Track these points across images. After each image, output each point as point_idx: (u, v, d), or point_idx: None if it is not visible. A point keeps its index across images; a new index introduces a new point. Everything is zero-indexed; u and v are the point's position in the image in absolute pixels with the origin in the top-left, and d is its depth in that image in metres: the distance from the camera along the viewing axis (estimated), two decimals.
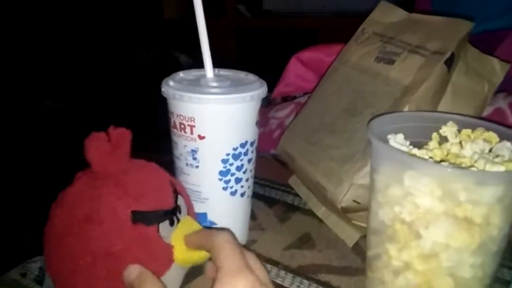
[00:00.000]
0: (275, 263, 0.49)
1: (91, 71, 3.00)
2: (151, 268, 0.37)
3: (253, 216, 0.56)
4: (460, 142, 0.41)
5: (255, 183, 0.52)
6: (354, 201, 0.49)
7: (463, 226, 0.35)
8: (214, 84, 0.46)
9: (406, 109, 0.48)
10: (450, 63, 0.49)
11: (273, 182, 0.67)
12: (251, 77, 0.49)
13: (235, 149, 0.46)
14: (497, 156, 0.38)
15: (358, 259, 0.51)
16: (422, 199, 0.36)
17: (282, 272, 0.48)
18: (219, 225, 0.49)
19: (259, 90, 0.45)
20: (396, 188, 0.37)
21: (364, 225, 0.51)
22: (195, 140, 0.45)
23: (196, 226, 0.41)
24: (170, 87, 0.45)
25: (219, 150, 0.46)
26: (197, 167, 0.46)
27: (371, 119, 0.42)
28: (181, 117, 0.45)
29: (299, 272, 0.48)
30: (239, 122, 0.45)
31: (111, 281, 0.36)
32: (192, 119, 0.44)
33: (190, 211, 0.44)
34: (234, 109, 0.44)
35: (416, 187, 0.36)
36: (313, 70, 0.86)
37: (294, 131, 0.62)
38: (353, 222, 0.52)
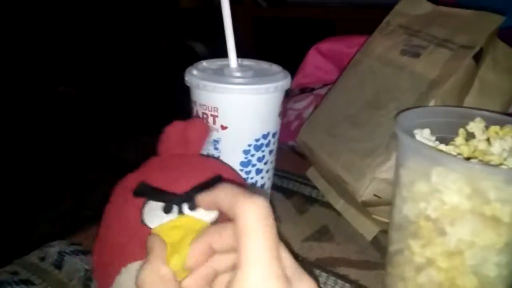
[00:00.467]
0: (293, 255, 0.49)
1: (106, 58, 3.01)
2: (121, 245, 0.31)
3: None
4: (488, 139, 0.40)
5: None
6: (375, 195, 0.48)
7: (490, 225, 0.35)
8: (238, 74, 0.46)
9: (431, 103, 0.47)
10: (478, 57, 0.48)
11: (291, 173, 0.66)
12: (275, 67, 0.49)
13: (257, 140, 0.46)
14: None
15: (377, 253, 0.50)
16: (450, 196, 0.35)
17: (300, 264, 0.48)
18: None
19: (283, 81, 0.45)
20: (423, 184, 0.37)
21: (384, 219, 0.51)
22: (218, 130, 0.45)
23: (189, 238, 0.28)
24: (193, 76, 0.45)
25: (241, 140, 0.45)
26: (218, 157, 0.46)
27: (398, 113, 0.42)
28: (204, 107, 0.44)
29: (318, 264, 0.48)
30: (262, 113, 0.45)
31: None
32: (215, 109, 0.44)
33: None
34: (257, 100, 0.44)
35: (444, 184, 0.35)
36: (332, 61, 0.86)
37: (314, 123, 0.61)
38: (373, 216, 0.51)
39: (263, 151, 0.47)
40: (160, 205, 0.31)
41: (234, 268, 0.25)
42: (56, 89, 2.99)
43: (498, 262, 0.36)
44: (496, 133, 0.40)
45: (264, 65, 0.50)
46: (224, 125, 0.45)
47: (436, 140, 0.41)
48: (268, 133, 0.46)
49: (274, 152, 0.49)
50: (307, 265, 0.48)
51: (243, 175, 0.47)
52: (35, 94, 2.89)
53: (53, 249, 0.49)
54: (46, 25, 2.94)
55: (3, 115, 2.61)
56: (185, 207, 0.30)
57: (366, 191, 0.48)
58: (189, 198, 0.31)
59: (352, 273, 0.47)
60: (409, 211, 0.39)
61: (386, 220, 0.50)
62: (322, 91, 0.80)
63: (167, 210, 0.30)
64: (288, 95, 0.86)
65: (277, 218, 0.56)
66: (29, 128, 2.55)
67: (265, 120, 0.46)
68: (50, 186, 2.02)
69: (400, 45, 0.55)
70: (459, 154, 0.40)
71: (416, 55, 0.52)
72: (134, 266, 0.29)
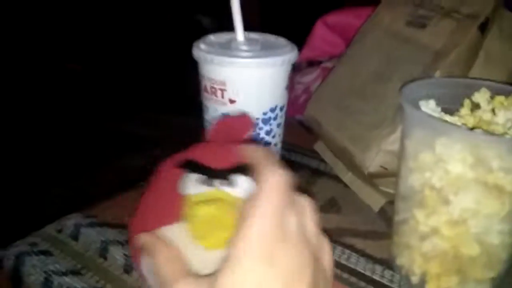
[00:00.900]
0: None
1: (113, 34, 3.00)
2: (154, 210, 0.32)
3: None
4: (493, 109, 0.41)
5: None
6: (382, 167, 0.49)
7: (493, 193, 0.36)
8: (245, 47, 0.46)
9: (437, 75, 0.48)
10: (484, 27, 0.48)
11: (299, 147, 0.67)
12: (282, 40, 0.49)
13: (265, 113, 0.46)
14: None
15: (383, 224, 0.51)
16: (453, 165, 0.36)
17: None
18: None
19: (290, 54, 0.45)
20: (427, 154, 0.37)
21: (390, 190, 0.52)
22: (226, 104, 0.46)
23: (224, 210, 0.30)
24: (201, 50, 0.45)
25: (249, 114, 0.46)
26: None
27: (403, 85, 0.42)
28: (212, 81, 0.45)
29: (324, 235, 0.49)
30: (269, 86, 0.46)
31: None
32: (223, 82, 0.44)
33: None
34: (265, 73, 0.45)
35: (448, 154, 0.36)
36: (339, 34, 0.85)
37: (321, 96, 0.61)
38: (380, 187, 0.52)
39: (270, 124, 0.47)
40: (200, 177, 0.31)
41: None
42: (64, 65, 3.00)
43: (501, 230, 0.37)
44: (501, 103, 0.41)
45: (271, 38, 0.50)
46: (232, 99, 0.45)
47: (442, 111, 0.42)
48: (276, 107, 0.47)
49: (281, 126, 0.49)
50: None
51: None
52: (43, 70, 2.90)
53: (70, 221, 0.51)
54: (53, 1, 2.93)
55: (15, 93, 2.63)
56: (224, 182, 0.31)
57: (372, 163, 0.49)
58: (227, 174, 0.31)
59: (359, 243, 0.48)
60: (414, 181, 0.39)
61: (393, 191, 0.51)
62: (330, 64, 0.80)
63: (206, 183, 0.31)
64: (295, 68, 0.86)
65: None
66: (39, 105, 2.57)
67: (272, 94, 0.46)
68: (62, 163, 2.05)
69: (406, 16, 0.55)
70: (464, 124, 0.40)
71: (422, 26, 0.52)
72: (165, 230, 0.30)
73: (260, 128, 0.47)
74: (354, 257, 0.46)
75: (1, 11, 2.75)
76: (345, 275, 0.44)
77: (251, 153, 0.31)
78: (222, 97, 0.45)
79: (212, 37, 0.49)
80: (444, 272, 0.40)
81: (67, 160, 2.07)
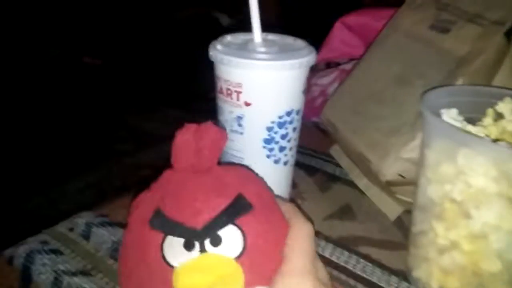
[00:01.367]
0: (315, 232, 0.49)
1: (131, 29, 3.01)
2: (141, 282, 0.30)
3: (293, 185, 0.55)
4: None
5: None
6: (400, 175, 0.48)
7: None
8: (263, 49, 0.45)
9: (459, 82, 0.46)
10: (510, 34, 0.47)
11: (314, 150, 0.66)
12: (300, 42, 0.48)
13: (280, 117, 0.45)
14: None
15: (399, 233, 0.50)
16: (476, 178, 0.34)
17: (323, 242, 0.48)
18: None
19: (308, 56, 0.44)
20: (448, 166, 0.36)
21: (407, 199, 0.50)
22: (241, 107, 0.45)
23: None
24: (218, 51, 0.44)
25: (264, 117, 0.45)
26: (241, 133, 0.46)
27: (425, 91, 0.41)
28: (228, 83, 0.44)
29: (339, 243, 0.48)
30: (286, 90, 0.45)
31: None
32: (239, 85, 0.44)
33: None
34: (282, 76, 0.43)
35: (470, 166, 0.34)
36: (359, 35, 0.84)
37: (338, 100, 0.60)
38: (397, 195, 0.51)
39: (286, 128, 0.46)
40: (180, 241, 0.29)
41: None
42: (81, 60, 3.01)
43: None
44: None
45: (289, 40, 0.49)
46: (248, 102, 0.44)
47: (464, 120, 0.40)
48: (292, 110, 0.46)
49: (297, 130, 0.48)
50: (329, 243, 0.48)
51: (266, 152, 0.47)
52: (60, 65, 2.92)
53: (81, 220, 0.50)
54: None
55: (32, 86, 2.65)
56: (207, 243, 0.28)
57: (390, 170, 0.48)
58: (210, 232, 0.29)
59: (374, 253, 0.47)
60: (433, 193, 0.38)
61: (410, 200, 0.50)
62: (348, 66, 0.79)
63: (188, 247, 0.28)
64: (313, 70, 0.85)
65: (300, 195, 0.56)
66: (55, 99, 2.59)
67: (289, 97, 0.45)
68: (77, 157, 2.06)
69: (429, 19, 0.54)
70: (487, 135, 0.39)
71: (445, 30, 0.51)
72: None
73: (276, 132, 0.46)
74: (369, 267, 0.45)
75: (19, 7, 2.78)
76: (360, 286, 0.43)
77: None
78: (238, 99, 0.44)
79: (229, 38, 0.48)
80: (462, 287, 0.38)
81: (79, 155, 2.08)
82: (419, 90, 0.48)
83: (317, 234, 0.49)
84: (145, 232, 0.30)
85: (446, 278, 0.39)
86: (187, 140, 0.31)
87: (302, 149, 0.64)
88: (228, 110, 0.46)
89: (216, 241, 0.29)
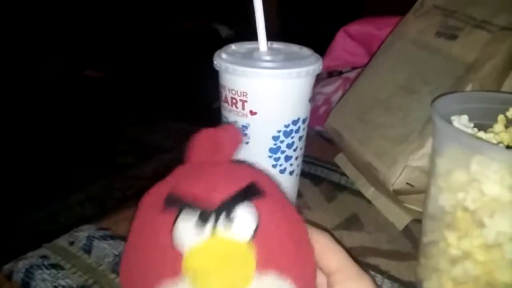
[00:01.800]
0: None
1: (131, 42, 3.02)
2: (149, 264, 0.29)
3: (299, 194, 0.54)
4: None
5: None
6: (408, 183, 0.47)
7: None
8: (268, 58, 0.44)
9: (468, 88, 0.46)
10: None
11: (319, 159, 0.65)
12: (306, 51, 0.47)
13: (286, 126, 0.45)
14: None
15: (408, 243, 0.49)
16: (490, 186, 0.33)
17: None
18: None
19: (314, 65, 0.43)
20: (461, 174, 0.35)
21: (416, 208, 0.50)
22: (247, 116, 0.44)
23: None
24: (222, 60, 0.43)
25: (270, 126, 0.44)
26: (247, 143, 0.45)
27: (434, 98, 0.40)
28: (233, 92, 0.43)
29: (350, 254, 0.47)
30: (292, 98, 0.44)
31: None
32: (245, 93, 0.43)
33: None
34: (288, 84, 0.43)
35: (484, 174, 0.33)
36: (362, 44, 0.83)
37: (344, 108, 0.59)
38: (405, 204, 0.50)
39: (292, 137, 0.46)
40: (192, 221, 0.28)
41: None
42: (82, 73, 3.02)
43: None
44: None
45: (295, 48, 0.48)
46: (253, 111, 0.44)
47: (474, 127, 0.39)
48: (298, 119, 0.45)
49: (303, 139, 0.48)
50: None
51: (272, 161, 0.46)
52: (62, 78, 2.93)
53: (82, 233, 0.49)
54: (72, 8, 2.96)
55: (33, 99, 2.65)
56: (220, 222, 0.28)
57: (398, 179, 0.47)
58: (223, 211, 0.28)
59: (383, 263, 0.46)
60: (445, 202, 0.37)
61: (419, 209, 0.49)
62: (351, 75, 0.78)
63: (200, 227, 0.27)
64: (315, 78, 0.84)
65: (306, 205, 0.55)
66: (56, 111, 2.59)
67: (295, 106, 0.44)
68: (78, 169, 2.05)
69: (435, 26, 0.53)
70: (499, 142, 0.38)
71: (452, 37, 0.50)
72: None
73: (282, 141, 0.45)
74: (378, 278, 0.44)
75: (19, 17, 2.79)
76: None
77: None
78: (243, 108, 0.44)
79: (233, 47, 0.48)
80: None
81: (80, 168, 2.07)
82: (427, 97, 0.48)
83: None
84: (155, 215, 0.29)
85: None
86: (206, 136, 0.32)
87: (306, 158, 0.63)
88: (233, 119, 0.45)
89: (229, 221, 0.28)
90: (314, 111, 0.76)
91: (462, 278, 0.37)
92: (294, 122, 0.45)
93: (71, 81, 2.92)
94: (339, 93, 0.76)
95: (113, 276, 0.44)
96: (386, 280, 0.43)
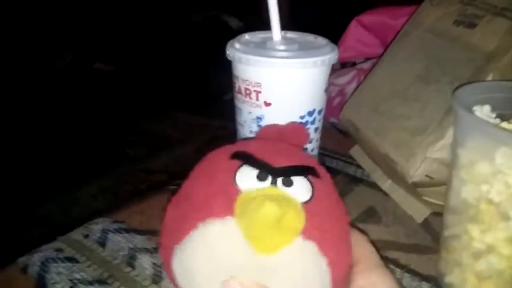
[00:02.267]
0: None
1: (141, 35, 3.02)
2: (202, 199, 0.29)
3: None
4: None
5: None
6: (427, 176, 0.46)
7: None
8: (282, 47, 0.43)
9: (489, 78, 0.44)
10: None
11: (333, 152, 0.64)
12: (321, 40, 0.46)
13: (302, 117, 0.44)
14: None
15: (428, 236, 0.48)
16: None
17: None
18: None
19: (330, 54, 0.42)
20: (485, 165, 0.34)
21: (435, 201, 0.48)
22: (261, 107, 0.43)
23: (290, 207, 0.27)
24: (236, 49, 0.42)
25: (285, 118, 0.43)
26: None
27: (455, 88, 0.39)
28: (247, 82, 0.43)
29: (375, 247, 0.46)
30: (308, 89, 0.43)
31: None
32: (259, 84, 0.42)
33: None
34: (304, 74, 0.42)
35: (509, 165, 0.32)
36: (375, 34, 0.82)
37: (359, 99, 0.58)
38: (423, 197, 0.49)
39: (308, 128, 0.45)
40: (254, 172, 0.29)
41: None
42: (92, 66, 3.02)
43: None
44: None
45: (309, 37, 0.47)
46: (268, 102, 0.43)
47: (496, 117, 0.38)
48: (314, 110, 0.44)
49: (319, 130, 0.47)
50: None
51: None
52: (72, 71, 2.94)
53: (97, 226, 0.49)
54: (83, 1, 2.96)
55: (43, 92, 2.66)
56: (279, 180, 0.29)
57: (417, 171, 0.46)
58: (285, 173, 0.29)
59: (403, 257, 0.45)
60: (468, 194, 0.36)
61: (438, 202, 0.48)
62: (365, 66, 0.77)
63: (261, 178, 0.29)
64: None
65: None
66: (68, 104, 2.59)
67: (310, 96, 0.43)
68: (90, 162, 2.06)
69: (454, 15, 0.52)
70: None
71: (472, 25, 0.49)
72: (212, 224, 0.27)
73: None
74: (398, 272, 0.43)
75: (31, 11, 2.79)
76: None
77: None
78: (257, 99, 0.43)
79: (246, 36, 0.47)
80: None
81: (91, 161, 2.08)
82: (445, 87, 0.46)
83: None
84: (222, 160, 0.30)
85: (482, 283, 0.37)
86: (272, 129, 0.35)
87: (321, 150, 0.62)
88: (247, 110, 0.44)
89: (288, 182, 0.29)
90: (328, 102, 0.74)
91: (486, 272, 0.36)
92: (310, 113, 0.44)
93: (81, 74, 2.93)
94: (354, 84, 0.74)
95: (128, 269, 0.43)
96: (406, 274, 0.42)
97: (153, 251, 0.45)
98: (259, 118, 0.44)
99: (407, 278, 0.42)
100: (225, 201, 0.27)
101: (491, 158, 0.33)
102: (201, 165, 0.32)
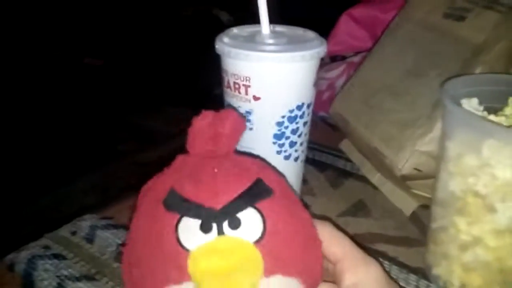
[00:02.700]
0: None
1: (131, 28, 3.00)
2: (153, 266, 0.27)
3: (304, 181, 0.53)
4: None
5: None
6: (416, 169, 0.46)
7: None
8: (271, 41, 0.43)
9: (478, 71, 0.44)
10: None
11: (323, 146, 0.64)
12: (310, 33, 0.46)
13: (291, 111, 0.43)
14: None
15: (416, 229, 0.48)
16: (502, 170, 0.33)
17: None
18: None
19: (319, 48, 0.42)
20: (472, 158, 0.34)
21: (423, 194, 0.49)
22: (250, 101, 0.43)
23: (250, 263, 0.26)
24: (224, 44, 0.42)
25: (274, 112, 0.43)
26: (251, 129, 0.44)
27: (443, 81, 0.39)
28: (236, 76, 0.42)
29: (355, 240, 0.46)
30: (296, 83, 0.43)
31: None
32: (248, 78, 0.42)
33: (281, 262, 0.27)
34: (292, 68, 0.42)
35: (496, 158, 0.33)
36: (365, 28, 0.82)
37: (349, 93, 0.58)
38: (412, 190, 0.49)
39: (297, 123, 0.44)
40: (197, 222, 0.27)
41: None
42: (82, 61, 3.00)
43: None
44: None
45: (298, 31, 0.47)
46: (257, 96, 0.42)
47: (484, 110, 0.38)
48: (303, 104, 0.44)
49: (308, 124, 0.46)
50: None
51: (276, 148, 0.45)
52: (61, 66, 2.91)
53: (85, 223, 0.49)
54: None
55: (31, 87, 2.64)
56: (225, 225, 0.26)
57: (406, 164, 0.46)
58: (229, 214, 0.27)
59: (391, 250, 0.45)
60: (455, 186, 0.36)
61: (426, 195, 0.48)
62: (355, 59, 0.77)
63: (205, 229, 0.26)
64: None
65: (311, 192, 0.54)
66: (57, 99, 2.57)
67: (300, 90, 0.43)
68: (80, 157, 2.04)
69: (443, 7, 0.52)
70: (510, 125, 0.37)
71: (461, 18, 0.49)
72: None
73: (286, 127, 0.44)
74: (386, 265, 0.43)
75: (20, 7, 2.77)
76: None
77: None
78: (246, 93, 0.43)
79: (235, 30, 0.47)
80: (486, 285, 0.37)
81: (82, 156, 2.06)
82: (435, 80, 0.46)
83: None
84: (158, 213, 0.28)
85: (469, 275, 0.37)
86: (204, 125, 0.29)
87: (311, 144, 0.62)
88: (236, 105, 0.44)
89: (235, 224, 0.27)
90: (318, 96, 0.74)
91: (473, 264, 0.36)
92: (299, 107, 0.44)
93: (70, 69, 2.91)
94: (343, 78, 0.74)
95: (116, 265, 0.43)
96: (394, 267, 0.43)
97: None
98: (248, 113, 0.44)
99: (395, 270, 0.42)
100: (178, 268, 0.26)
101: (478, 150, 0.33)
102: (139, 220, 0.29)
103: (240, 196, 0.27)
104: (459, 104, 0.37)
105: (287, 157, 0.46)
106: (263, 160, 0.33)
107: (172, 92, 2.69)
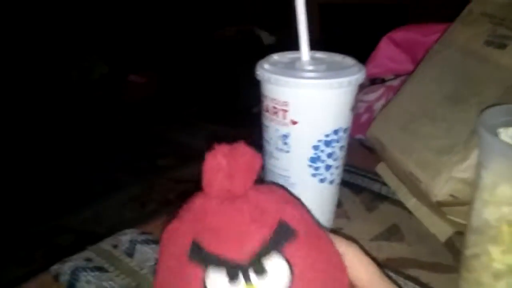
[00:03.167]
0: None
1: (175, 47, 3.08)
2: None
3: (338, 203, 0.54)
4: None
5: None
6: (451, 195, 0.46)
7: None
8: (310, 68, 0.45)
9: None
10: None
11: (359, 168, 0.65)
12: (349, 60, 0.47)
13: (327, 135, 0.45)
14: None
15: (450, 256, 0.48)
16: None
17: None
18: None
19: (357, 75, 0.43)
20: (507, 188, 0.34)
21: (459, 220, 0.48)
22: (287, 125, 0.44)
23: None
24: (265, 70, 0.44)
25: (311, 136, 0.44)
26: (287, 152, 0.45)
27: (481, 110, 0.39)
28: (275, 101, 0.44)
29: (387, 265, 0.46)
30: (333, 108, 0.44)
31: None
32: (286, 103, 0.43)
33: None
34: (330, 94, 0.43)
35: None
36: (406, 51, 0.82)
37: (387, 117, 0.59)
38: (448, 216, 0.49)
39: (333, 147, 0.45)
40: (223, 274, 0.27)
41: None
42: (126, 78, 3.09)
43: None
44: None
45: (337, 57, 0.48)
46: (295, 120, 0.44)
47: None
48: (339, 129, 0.45)
49: (344, 148, 0.47)
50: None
51: (312, 171, 0.46)
52: (108, 83, 3.01)
53: (126, 237, 0.51)
54: (118, 15, 3.04)
55: (78, 103, 2.74)
56: (252, 274, 0.27)
57: (441, 190, 0.46)
58: (255, 265, 0.27)
59: (424, 276, 0.45)
60: (490, 215, 0.36)
61: (462, 221, 0.48)
62: (394, 83, 0.77)
63: (232, 279, 0.26)
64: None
65: (345, 215, 0.55)
66: (101, 115, 2.66)
67: (336, 115, 0.44)
68: (121, 171, 2.10)
69: (484, 35, 0.52)
70: None
71: (502, 46, 0.49)
72: None
73: (322, 151, 0.45)
74: None
75: (68, 23, 2.89)
76: None
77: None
78: (284, 118, 0.44)
79: (275, 57, 0.48)
80: None
81: (127, 168, 2.12)
82: (474, 108, 0.47)
83: None
84: (183, 266, 0.28)
85: None
86: (218, 163, 0.29)
87: (347, 166, 0.63)
88: (274, 128, 0.45)
89: (262, 273, 0.27)
90: (356, 119, 0.75)
91: None
92: (335, 132, 0.45)
93: (116, 85, 3.00)
94: (382, 101, 0.75)
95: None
96: None
97: None
98: (285, 136, 0.45)
99: None
100: None
101: None
102: (165, 272, 0.30)
103: (264, 245, 0.27)
104: (496, 134, 0.38)
105: (322, 180, 0.47)
106: (282, 188, 0.33)
107: (212, 109, 2.74)
